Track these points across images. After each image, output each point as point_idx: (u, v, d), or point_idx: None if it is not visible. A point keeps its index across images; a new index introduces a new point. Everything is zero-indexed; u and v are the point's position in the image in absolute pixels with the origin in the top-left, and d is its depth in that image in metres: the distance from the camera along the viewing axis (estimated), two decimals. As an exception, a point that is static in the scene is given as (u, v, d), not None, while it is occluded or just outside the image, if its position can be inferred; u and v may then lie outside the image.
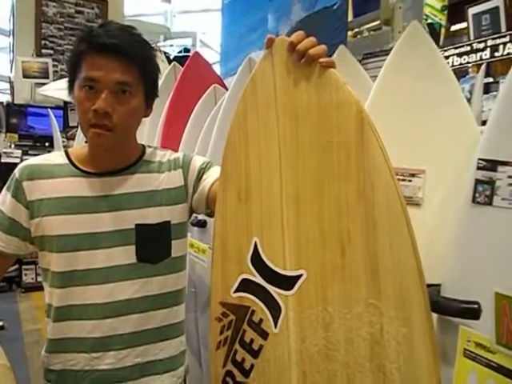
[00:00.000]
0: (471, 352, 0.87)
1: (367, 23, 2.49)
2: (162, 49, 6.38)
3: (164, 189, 1.15)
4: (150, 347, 1.13)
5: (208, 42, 9.75)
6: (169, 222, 1.14)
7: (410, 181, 1.21)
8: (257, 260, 0.96)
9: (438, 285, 1.02)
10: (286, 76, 0.91)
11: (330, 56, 1.46)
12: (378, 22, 2.42)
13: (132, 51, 1.04)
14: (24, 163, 1.13)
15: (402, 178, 1.21)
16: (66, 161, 1.13)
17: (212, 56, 7.17)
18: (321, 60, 0.86)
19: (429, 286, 0.91)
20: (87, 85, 1.03)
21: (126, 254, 1.10)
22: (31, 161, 1.14)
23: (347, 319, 0.86)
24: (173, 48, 8.74)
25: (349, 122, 0.85)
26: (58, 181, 1.09)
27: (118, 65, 1.02)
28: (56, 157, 1.15)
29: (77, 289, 1.08)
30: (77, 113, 1.08)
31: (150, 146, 1.22)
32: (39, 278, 4.62)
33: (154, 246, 1.13)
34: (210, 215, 1.24)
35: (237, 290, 0.99)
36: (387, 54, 1.58)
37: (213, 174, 1.16)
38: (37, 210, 1.08)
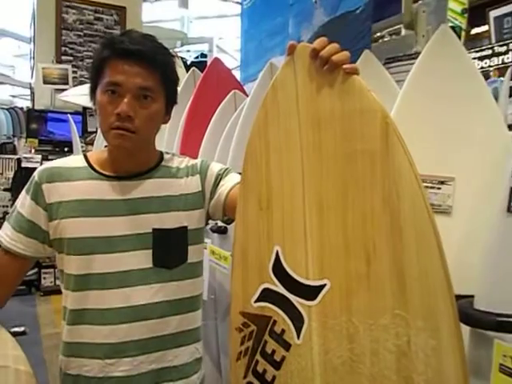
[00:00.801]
0: (507, 368, 0.84)
1: (388, 27, 2.46)
2: (178, 54, 6.40)
3: (181, 194, 1.15)
4: (164, 353, 1.13)
5: (224, 48, 9.79)
6: (186, 227, 1.14)
7: (439, 188, 1.18)
8: (278, 269, 0.95)
9: (471, 296, 0.98)
10: (309, 83, 0.90)
11: (355, 61, 1.44)
12: (399, 27, 2.39)
13: (154, 57, 1.06)
14: (43, 166, 1.14)
15: (430, 185, 1.18)
16: (85, 164, 1.14)
17: (228, 61, 7.18)
18: (344, 66, 0.85)
19: (461, 297, 0.88)
20: (110, 89, 1.04)
21: (142, 259, 1.10)
22: (50, 164, 1.15)
23: (373, 330, 0.84)
24: (189, 53, 8.79)
25: (373, 128, 0.83)
26: (76, 183, 1.10)
27: (140, 70, 1.05)
28: (75, 160, 1.16)
29: (92, 292, 1.08)
30: (98, 117, 1.09)
31: (168, 152, 1.23)
32: (58, 282, 4.65)
33: (170, 251, 1.13)
34: (227, 222, 1.24)
35: (258, 300, 0.98)
36: (411, 59, 1.54)
37: (230, 181, 1.16)
38: (55, 213, 1.09)
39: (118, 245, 1.09)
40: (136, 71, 1.04)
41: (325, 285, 0.89)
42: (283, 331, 0.95)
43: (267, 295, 0.96)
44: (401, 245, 0.81)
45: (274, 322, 0.96)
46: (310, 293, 0.91)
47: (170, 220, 1.12)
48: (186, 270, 1.15)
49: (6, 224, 1.13)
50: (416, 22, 2.03)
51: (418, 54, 1.64)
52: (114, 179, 1.12)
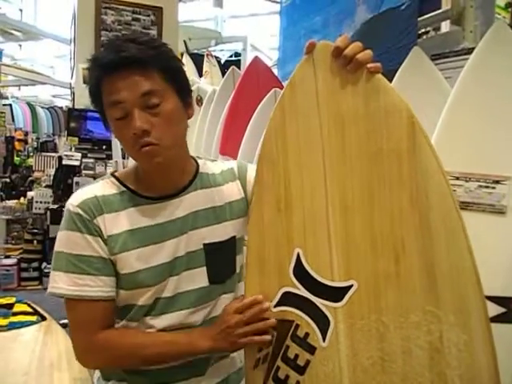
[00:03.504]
0: None
1: (431, 24, 2.37)
2: (212, 54, 6.43)
3: (226, 203, 1.08)
4: (221, 363, 1.10)
5: (258, 46, 9.75)
6: (234, 237, 1.08)
7: (494, 188, 1.14)
8: (300, 272, 0.93)
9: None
10: (330, 81, 0.88)
11: (403, 59, 1.40)
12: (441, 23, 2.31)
13: (142, 56, 0.93)
14: (80, 199, 0.98)
15: (484, 184, 1.14)
16: (122, 188, 1.02)
17: (263, 60, 7.17)
18: (368, 65, 0.83)
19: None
20: (118, 116, 0.94)
21: (196, 278, 1.03)
22: (86, 194, 0.99)
23: (403, 328, 0.84)
24: (223, 53, 8.76)
25: (399, 128, 0.83)
26: (123, 213, 0.99)
27: (135, 77, 0.93)
28: (109, 186, 1.03)
29: (147, 319, 1.02)
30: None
31: (199, 157, 1.14)
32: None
33: (223, 264, 1.07)
34: None
35: (278, 304, 0.95)
36: (458, 55, 1.49)
37: None
38: (113, 247, 0.97)
39: (172, 270, 1.00)
40: (131, 81, 0.92)
41: (351, 285, 0.88)
42: (307, 335, 0.92)
43: (288, 299, 0.94)
44: (430, 242, 0.82)
45: (297, 325, 0.93)
46: (336, 294, 0.90)
47: (219, 232, 1.05)
48: (234, 280, 1.10)
49: (61, 275, 0.96)
50: (463, 17, 1.93)
51: (465, 50, 1.57)
52: (158, 201, 1.02)
